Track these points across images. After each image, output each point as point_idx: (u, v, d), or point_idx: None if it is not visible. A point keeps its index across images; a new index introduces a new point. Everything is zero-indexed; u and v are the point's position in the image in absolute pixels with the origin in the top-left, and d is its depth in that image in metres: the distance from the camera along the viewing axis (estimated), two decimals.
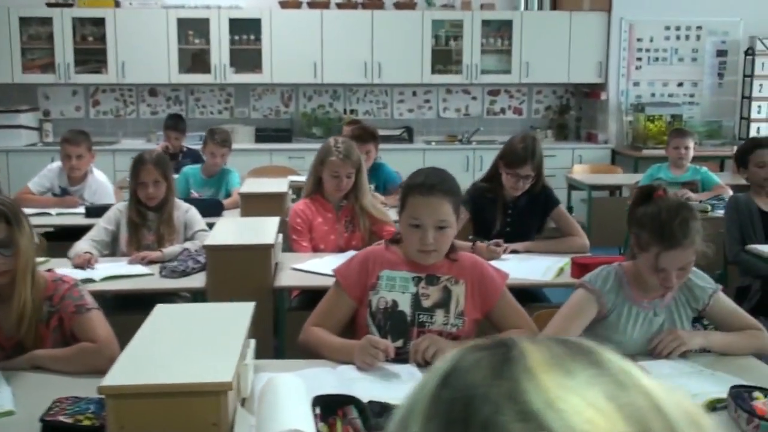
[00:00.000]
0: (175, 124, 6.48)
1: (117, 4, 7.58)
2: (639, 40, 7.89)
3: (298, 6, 7.80)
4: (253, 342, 2.05)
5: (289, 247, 3.78)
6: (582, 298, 2.35)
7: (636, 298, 2.36)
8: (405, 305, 2.32)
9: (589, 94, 8.20)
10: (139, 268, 3.36)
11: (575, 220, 3.90)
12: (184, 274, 3.26)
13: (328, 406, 1.86)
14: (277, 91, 8.14)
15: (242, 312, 2.15)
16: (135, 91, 8.01)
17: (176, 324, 2.08)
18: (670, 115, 7.78)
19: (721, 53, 7.96)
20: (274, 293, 3.16)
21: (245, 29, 7.69)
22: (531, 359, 0.58)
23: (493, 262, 3.41)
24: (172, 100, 8.06)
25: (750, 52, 7.74)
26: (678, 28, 7.89)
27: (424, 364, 2.19)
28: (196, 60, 7.76)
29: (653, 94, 7.95)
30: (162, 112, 7.83)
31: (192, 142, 7.53)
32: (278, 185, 4.63)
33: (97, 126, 7.96)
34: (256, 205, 4.41)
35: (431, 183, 2.29)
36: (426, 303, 2.33)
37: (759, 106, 7.77)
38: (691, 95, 8.00)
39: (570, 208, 6.72)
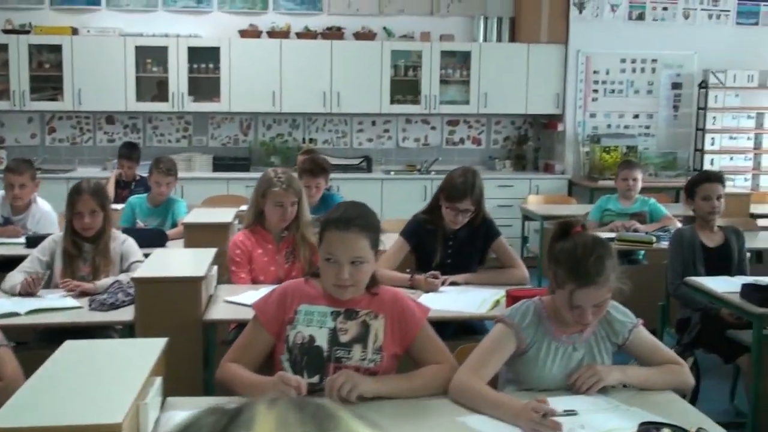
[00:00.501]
0: (129, 152, 6.44)
1: (74, 32, 7.54)
2: (596, 72, 7.99)
3: (258, 35, 7.81)
4: (159, 379, 2.01)
5: (229, 279, 3.74)
6: (500, 333, 2.34)
7: (555, 332, 2.35)
8: (322, 340, 2.29)
9: (547, 125, 8.27)
10: (69, 301, 3.30)
11: (516, 253, 3.90)
12: (114, 306, 3.21)
13: None
14: (236, 119, 8.12)
15: (151, 348, 2.11)
16: (92, 119, 7.95)
17: (80, 361, 2.03)
18: (626, 146, 7.87)
19: (676, 86, 8.07)
20: (204, 326, 3.11)
21: (204, 58, 7.68)
22: (257, 427, 0.56)
23: (427, 295, 3.42)
24: (130, 128, 8.01)
25: (703, 85, 7.87)
26: (634, 61, 8.01)
27: (339, 400, 2.16)
28: (153, 88, 7.73)
29: (609, 126, 8.04)
30: (119, 140, 7.75)
31: (147, 170, 7.48)
32: (223, 215, 4.59)
33: (52, 153, 7.90)
34: (200, 235, 4.37)
35: (348, 218, 2.27)
36: (343, 338, 2.30)
37: (712, 138, 7.88)
38: (647, 127, 8.09)
39: (525, 239, 6.76)
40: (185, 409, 2.12)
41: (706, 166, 7.86)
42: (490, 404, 2.13)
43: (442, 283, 3.62)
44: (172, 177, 5.11)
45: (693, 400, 3.89)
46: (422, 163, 8.21)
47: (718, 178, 4.25)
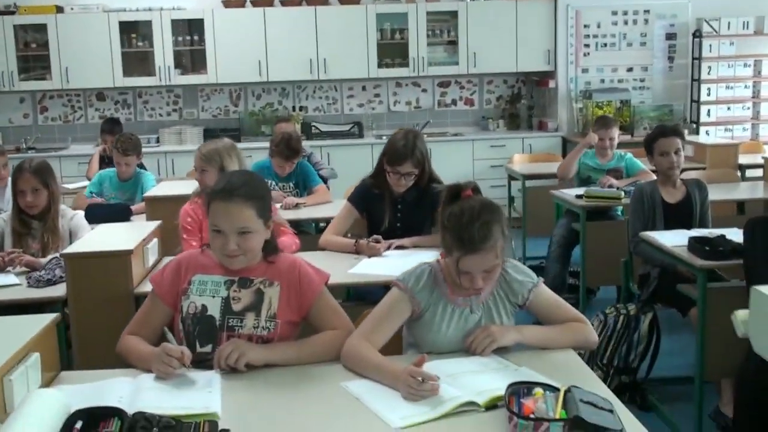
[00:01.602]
0: (111, 128, 6.48)
1: (59, 10, 7.56)
2: (586, 26, 7.82)
3: (242, 4, 7.77)
4: (35, 356, 2.02)
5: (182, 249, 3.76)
6: (394, 298, 2.31)
7: (451, 295, 2.31)
8: (215, 310, 2.29)
9: (540, 82, 8.13)
10: (8, 278, 3.34)
11: None
12: (50, 283, 3.24)
13: (94, 419, 1.83)
14: (226, 90, 8.11)
15: (35, 324, 2.12)
16: (82, 96, 8.00)
17: None
18: (620, 100, 7.72)
19: (670, 36, 7.88)
20: (137, 299, 3.13)
21: (188, 30, 7.67)
22: None
23: (370, 260, 3.41)
24: (120, 104, 8.05)
25: (697, 34, 7.65)
26: (625, 13, 7.82)
27: (228, 369, 2.17)
28: (140, 62, 7.74)
29: (603, 80, 7.88)
30: (111, 116, 7.80)
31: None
32: (185, 188, 4.58)
33: (45, 132, 7.98)
34: (162, 208, 4.38)
35: (230, 188, 2.25)
36: (236, 307, 2.29)
37: (708, 89, 7.68)
38: (642, 80, 7.92)
39: (511, 199, 6.68)
40: (77, 382, 2.15)
41: (703, 118, 7.70)
42: (372, 368, 2.12)
43: (388, 247, 3.59)
44: (131, 156, 5.12)
45: (654, 355, 3.87)
46: (414, 126, 8.12)
47: (674, 131, 4.14)
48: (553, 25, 7.81)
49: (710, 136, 7.60)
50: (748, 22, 7.55)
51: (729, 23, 7.54)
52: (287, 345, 2.28)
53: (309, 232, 4.99)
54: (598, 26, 7.82)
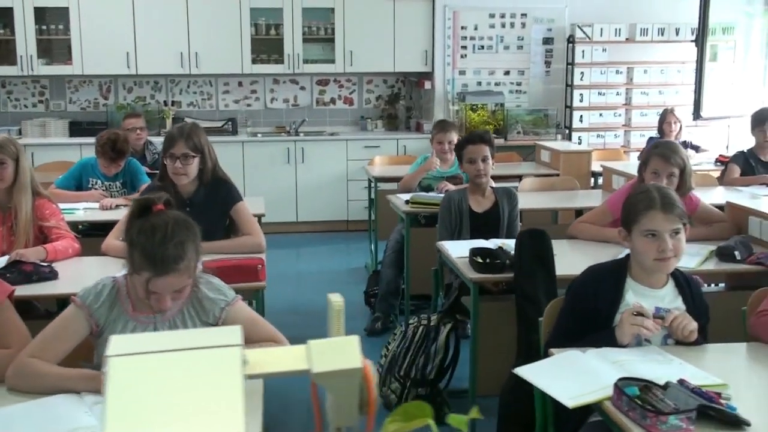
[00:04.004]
0: None
1: None
2: (464, 27, 7.77)
3: None
4: None
5: None
6: (69, 315, 2.17)
7: (133, 312, 2.18)
8: None
9: (418, 83, 8.06)
10: None
11: (254, 220, 3.73)
12: None
13: None
14: (95, 82, 7.85)
15: None
16: None
17: None
18: (494, 103, 7.69)
19: (547, 41, 7.87)
20: None
21: (52, 18, 7.39)
22: None
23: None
24: None
25: (571, 39, 7.66)
26: (503, 16, 7.79)
27: None
28: (0, 51, 7.44)
29: (480, 83, 7.84)
30: None
31: None
32: None
33: None
34: None
35: None
36: None
37: (581, 95, 7.70)
38: (518, 84, 7.90)
39: (371, 201, 6.57)
40: None
41: (576, 124, 7.72)
42: (59, 379, 2.04)
43: None
44: None
45: (452, 367, 3.79)
46: (291, 124, 7.99)
47: (481, 138, 4.07)
48: (431, 25, 7.73)
49: (582, 142, 7.62)
50: (620, 29, 7.58)
51: (602, 30, 7.56)
52: None
53: None
54: (476, 28, 7.77)
